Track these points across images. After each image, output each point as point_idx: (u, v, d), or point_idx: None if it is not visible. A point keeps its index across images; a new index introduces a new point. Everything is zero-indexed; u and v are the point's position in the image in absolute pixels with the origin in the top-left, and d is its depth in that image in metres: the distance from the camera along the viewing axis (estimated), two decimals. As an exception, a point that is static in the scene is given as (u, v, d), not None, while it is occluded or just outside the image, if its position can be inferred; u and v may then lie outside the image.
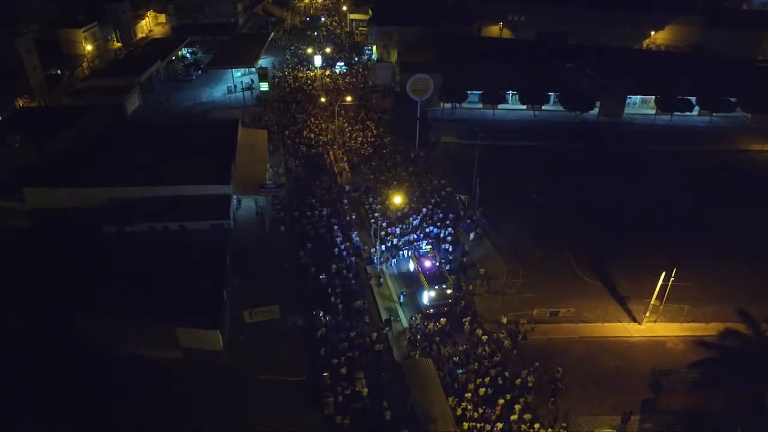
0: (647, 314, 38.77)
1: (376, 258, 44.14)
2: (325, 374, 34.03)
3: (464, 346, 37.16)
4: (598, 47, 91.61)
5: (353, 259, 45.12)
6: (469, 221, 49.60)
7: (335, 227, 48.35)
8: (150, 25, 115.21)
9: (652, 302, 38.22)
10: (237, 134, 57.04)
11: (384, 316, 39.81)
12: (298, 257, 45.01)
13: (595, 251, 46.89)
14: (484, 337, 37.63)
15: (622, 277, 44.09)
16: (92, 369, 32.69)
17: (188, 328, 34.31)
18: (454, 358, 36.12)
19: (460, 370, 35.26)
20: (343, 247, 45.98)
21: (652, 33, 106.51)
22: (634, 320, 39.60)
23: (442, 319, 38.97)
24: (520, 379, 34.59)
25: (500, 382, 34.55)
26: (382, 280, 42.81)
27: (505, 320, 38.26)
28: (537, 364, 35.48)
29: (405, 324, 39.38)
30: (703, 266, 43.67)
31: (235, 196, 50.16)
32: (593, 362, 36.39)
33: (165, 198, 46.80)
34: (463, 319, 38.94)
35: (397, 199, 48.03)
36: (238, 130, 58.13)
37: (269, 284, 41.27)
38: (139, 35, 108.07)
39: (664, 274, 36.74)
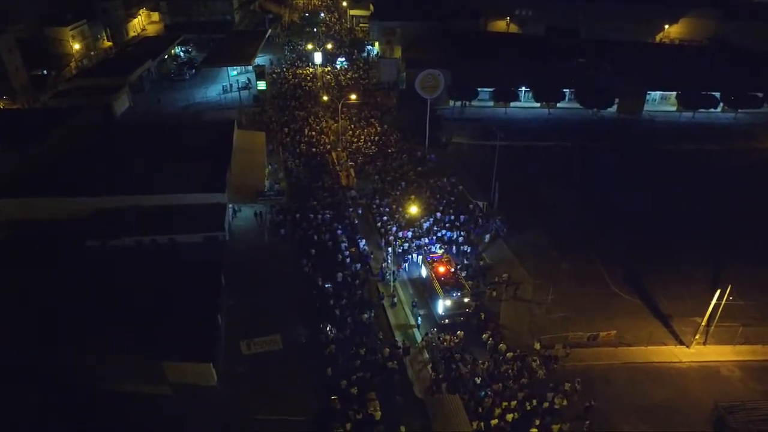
0: (697, 336, 34.31)
1: (389, 273, 39.67)
2: (333, 398, 30.30)
3: (486, 364, 33.21)
4: (610, 42, 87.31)
5: (358, 265, 41.37)
6: (486, 224, 45.50)
7: (339, 232, 44.69)
8: (143, 23, 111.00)
9: (703, 323, 33.80)
10: (232, 137, 52.60)
11: (399, 339, 35.43)
12: (300, 266, 41.18)
13: (628, 262, 42.60)
14: (509, 354, 33.66)
15: (661, 292, 39.77)
16: (69, 407, 28.48)
17: (176, 362, 29.77)
18: (476, 379, 32.15)
19: (484, 393, 31.33)
20: (347, 253, 42.28)
21: (666, 26, 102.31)
22: (681, 342, 35.17)
23: (459, 332, 35.11)
24: (547, 403, 30.79)
25: (528, 407, 30.66)
26: (395, 299, 38.33)
27: (538, 346, 33.81)
28: (568, 385, 31.63)
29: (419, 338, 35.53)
30: (748, 277, 39.18)
31: (230, 205, 45.75)
32: (639, 393, 31.97)
33: (154, 208, 42.57)
34: (483, 335, 35.16)
35: (413, 209, 43.69)
36: (234, 133, 53.67)
37: (270, 302, 37.22)
38: (132, 34, 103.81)
39: (718, 292, 32.27)
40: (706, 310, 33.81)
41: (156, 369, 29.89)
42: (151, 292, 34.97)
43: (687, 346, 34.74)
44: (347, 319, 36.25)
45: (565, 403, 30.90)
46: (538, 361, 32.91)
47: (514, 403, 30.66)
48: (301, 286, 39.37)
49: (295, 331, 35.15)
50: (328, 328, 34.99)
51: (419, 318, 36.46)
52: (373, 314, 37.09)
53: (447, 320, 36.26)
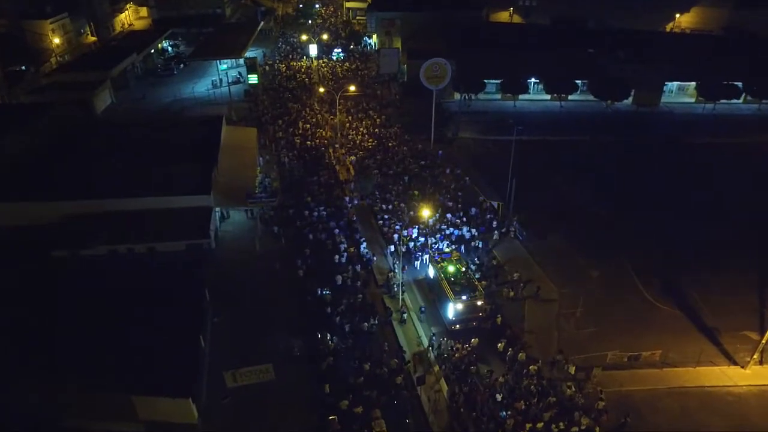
0: (755, 356, 29.78)
1: (396, 285, 35.05)
2: (331, 417, 26.09)
3: (505, 376, 29.06)
4: (623, 31, 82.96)
5: (358, 266, 37.25)
6: (502, 226, 41.19)
7: (336, 231, 40.52)
8: (130, 18, 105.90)
9: (763, 341, 29.21)
10: (220, 134, 47.91)
11: (409, 364, 30.77)
12: (294, 268, 37.01)
13: (662, 267, 38.13)
14: (533, 368, 29.39)
15: (702, 302, 35.26)
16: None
17: (148, 396, 25.08)
18: (496, 396, 27.95)
19: (505, 413, 27.11)
20: (346, 254, 38.21)
21: (677, 15, 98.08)
22: (734, 362, 30.60)
23: (474, 339, 30.96)
24: (576, 428, 26.50)
25: (556, 429, 26.50)
26: (405, 315, 33.68)
27: (572, 370, 29.21)
28: (601, 403, 27.36)
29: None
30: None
31: (218, 209, 41.12)
32: (693, 423, 27.41)
33: (131, 213, 38.07)
34: (498, 343, 31.03)
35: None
36: (222, 129, 48.97)
37: (260, 316, 32.87)
38: (118, 29, 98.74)
39: (783, 305, 27.83)
40: (757, 322, 29.36)
41: (126, 404, 25.23)
42: (125, 309, 30.12)
43: (742, 367, 30.16)
44: (346, 327, 32.14)
45: (597, 430, 26.62)
46: (573, 388, 28.32)
47: (540, 424, 26.56)
48: (295, 294, 35.08)
49: (290, 345, 30.85)
50: (328, 337, 30.91)
51: (433, 338, 31.75)
52: (376, 322, 32.86)
53: (458, 326, 32.19)
